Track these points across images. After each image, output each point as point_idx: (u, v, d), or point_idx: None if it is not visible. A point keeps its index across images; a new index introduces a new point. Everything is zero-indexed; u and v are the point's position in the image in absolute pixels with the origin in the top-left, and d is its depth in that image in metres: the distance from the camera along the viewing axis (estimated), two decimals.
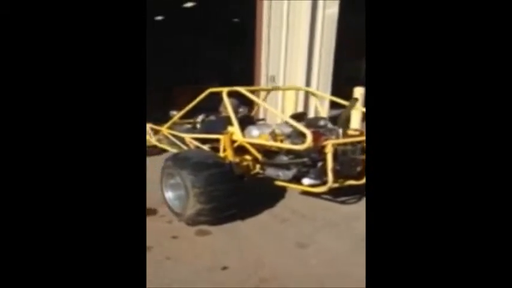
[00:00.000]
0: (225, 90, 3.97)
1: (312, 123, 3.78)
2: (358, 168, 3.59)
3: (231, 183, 3.35)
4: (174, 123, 4.92)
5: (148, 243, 3.08)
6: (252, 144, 3.77)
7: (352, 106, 3.77)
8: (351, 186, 3.70)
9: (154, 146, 5.39)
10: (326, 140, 3.38)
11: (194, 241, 3.24)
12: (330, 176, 3.29)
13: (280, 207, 4.02)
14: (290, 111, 6.19)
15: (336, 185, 3.51)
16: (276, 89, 4.37)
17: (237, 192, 3.42)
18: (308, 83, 7.63)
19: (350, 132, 4.05)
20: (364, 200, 4.25)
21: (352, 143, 3.53)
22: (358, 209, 4.05)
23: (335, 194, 4.29)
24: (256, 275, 2.69)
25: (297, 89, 4.92)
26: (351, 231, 3.47)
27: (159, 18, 15.80)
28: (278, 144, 3.58)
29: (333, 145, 3.31)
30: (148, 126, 5.44)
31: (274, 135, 3.65)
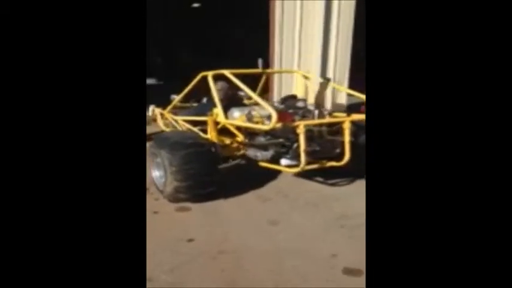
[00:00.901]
0: (210, 74, 4.08)
1: (290, 105, 3.81)
2: (337, 150, 3.59)
3: (208, 163, 3.47)
4: (175, 107, 5.10)
5: None
6: (235, 126, 3.87)
7: (324, 87, 3.76)
8: (333, 167, 3.71)
9: (162, 131, 5.62)
10: (296, 120, 3.41)
11: (172, 216, 3.40)
12: (303, 157, 3.32)
13: (267, 188, 4.09)
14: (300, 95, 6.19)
15: (314, 166, 3.53)
16: (266, 72, 4.41)
17: (214, 171, 3.55)
18: (324, 72, 7.54)
19: (337, 114, 4.04)
20: (352, 182, 4.24)
21: (329, 124, 3.53)
22: (343, 190, 4.05)
23: (327, 176, 4.31)
24: (217, 248, 2.81)
25: (291, 72, 4.93)
26: (327, 211, 3.49)
27: (196, 5, 16.97)
28: (247, 124, 3.66)
29: (305, 126, 3.33)
30: (158, 111, 5.67)
31: (250, 117, 3.71)
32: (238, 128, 3.93)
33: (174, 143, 3.47)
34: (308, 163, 3.57)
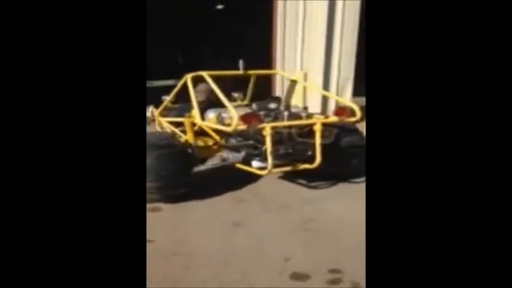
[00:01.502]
0: (189, 77, 4.11)
1: (262, 106, 3.79)
2: (309, 152, 3.54)
3: (180, 164, 3.50)
4: (166, 108, 5.16)
5: None
6: (210, 128, 3.88)
7: (291, 89, 3.72)
8: (307, 170, 3.67)
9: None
10: (261, 122, 3.38)
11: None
12: (269, 159, 3.30)
13: (246, 190, 4.08)
14: (297, 98, 6.14)
15: (285, 168, 3.51)
16: (247, 74, 4.39)
17: (186, 173, 3.57)
18: (327, 73, 7.46)
19: (316, 116, 3.98)
20: (333, 185, 4.17)
21: (300, 126, 3.49)
22: (321, 193, 3.99)
23: (310, 179, 4.26)
24: (172, 249, 2.83)
25: (273, 73, 4.90)
26: (298, 214, 3.44)
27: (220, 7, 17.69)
28: (213, 125, 3.68)
29: (272, 128, 3.31)
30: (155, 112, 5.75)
31: (221, 118, 3.72)
32: (216, 130, 3.94)
33: (148, 144, 3.51)
34: (280, 165, 3.55)
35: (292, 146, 3.46)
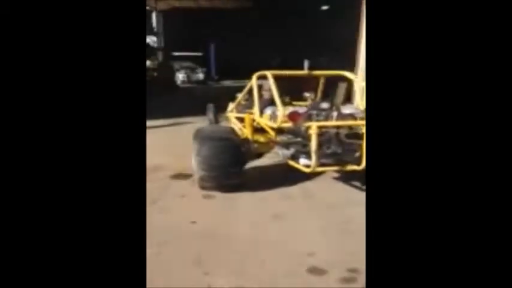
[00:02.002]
0: (255, 76, 4.35)
1: (315, 106, 3.86)
2: (357, 154, 3.55)
3: (233, 156, 3.77)
4: (239, 104, 5.46)
5: (159, 198, 3.80)
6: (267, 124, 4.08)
7: (341, 90, 3.71)
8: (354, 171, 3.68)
9: None
10: (308, 121, 3.48)
11: (193, 201, 3.80)
12: (313, 157, 3.39)
13: (297, 188, 4.18)
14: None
15: (332, 168, 3.57)
16: (311, 74, 4.46)
17: (239, 165, 3.83)
18: None
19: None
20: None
21: (350, 128, 3.52)
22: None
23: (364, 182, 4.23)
24: (209, 231, 3.11)
25: (338, 74, 4.87)
26: (337, 215, 3.48)
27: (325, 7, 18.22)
28: (262, 121, 3.85)
29: (319, 127, 3.40)
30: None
31: (273, 116, 3.88)
32: (272, 127, 4.12)
33: (204, 136, 3.85)
34: (327, 164, 3.62)
35: (340, 147, 3.50)
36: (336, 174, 4.61)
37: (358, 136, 3.52)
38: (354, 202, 3.78)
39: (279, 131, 3.99)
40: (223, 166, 3.72)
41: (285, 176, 4.40)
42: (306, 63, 4.38)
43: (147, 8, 18.47)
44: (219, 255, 2.75)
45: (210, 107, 6.47)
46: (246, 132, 4.27)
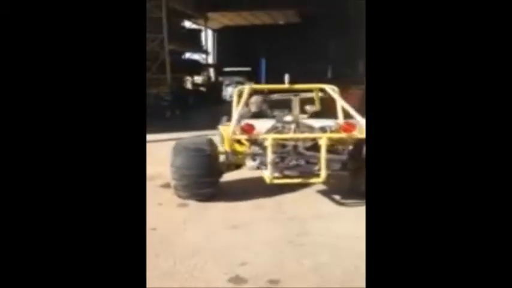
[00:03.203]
0: (242, 89, 4.50)
1: (280, 119, 3.90)
2: (316, 167, 3.53)
3: (204, 167, 3.91)
4: None
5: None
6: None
7: (295, 102, 3.71)
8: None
9: None
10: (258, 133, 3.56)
11: (166, 209, 3.99)
12: (269, 168, 3.44)
13: (273, 199, 4.20)
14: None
15: (291, 180, 3.60)
16: (292, 88, 4.48)
17: (210, 175, 3.95)
18: None
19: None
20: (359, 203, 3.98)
21: (312, 139, 3.53)
22: (340, 210, 3.89)
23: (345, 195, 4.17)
24: (167, 238, 3.27)
25: (314, 88, 4.81)
26: (297, 226, 3.48)
27: None
28: (225, 133, 3.97)
29: (275, 139, 3.44)
30: None
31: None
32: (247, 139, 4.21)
33: (180, 146, 4.04)
34: (290, 177, 3.65)
35: (300, 159, 3.51)
36: (322, 187, 4.57)
37: (318, 149, 3.51)
38: (320, 215, 3.75)
39: (253, 142, 4.07)
40: (194, 176, 3.87)
41: (267, 187, 4.45)
42: (286, 77, 4.43)
43: (197, 26, 19.36)
44: (156, 260, 2.88)
45: (223, 119, 6.69)
46: (225, 144, 4.40)
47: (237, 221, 3.63)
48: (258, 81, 23.63)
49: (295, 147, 3.52)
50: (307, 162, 3.58)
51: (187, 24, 19.45)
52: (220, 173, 4.15)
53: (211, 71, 21.57)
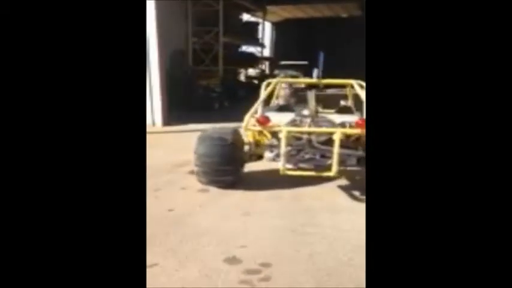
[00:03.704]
0: (264, 83, 4.63)
1: (299, 113, 3.97)
2: (329, 161, 3.58)
3: (225, 156, 4.10)
4: None
5: (163, 187, 4.34)
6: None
7: (311, 97, 3.73)
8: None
9: None
10: (275, 126, 3.65)
11: (187, 193, 4.24)
12: (282, 160, 3.55)
13: (291, 191, 4.30)
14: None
15: (305, 173, 3.69)
16: (320, 82, 4.50)
17: (230, 164, 4.14)
18: None
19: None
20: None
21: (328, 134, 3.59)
22: (353, 205, 3.90)
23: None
24: (180, 218, 3.52)
25: (346, 83, 4.74)
26: (308, 219, 3.57)
27: None
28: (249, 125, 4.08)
29: (289, 132, 3.54)
30: None
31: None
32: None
33: (205, 135, 4.26)
34: (304, 169, 3.74)
35: (314, 153, 3.59)
36: (345, 182, 4.60)
37: (332, 143, 3.56)
38: (333, 209, 3.80)
39: (272, 135, 4.20)
40: (214, 163, 4.08)
41: (289, 180, 4.55)
42: (315, 72, 4.49)
43: (255, 19, 19.58)
44: (165, 237, 3.13)
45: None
46: (248, 135, 4.56)
47: (250, 208, 3.79)
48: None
49: (309, 140, 3.60)
50: (322, 156, 3.64)
51: (246, 17, 19.71)
52: (243, 163, 4.32)
53: (267, 64, 21.72)
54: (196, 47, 13.52)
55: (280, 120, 4.01)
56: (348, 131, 3.67)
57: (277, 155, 3.88)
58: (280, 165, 3.70)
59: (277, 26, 24.80)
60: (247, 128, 4.02)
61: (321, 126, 3.77)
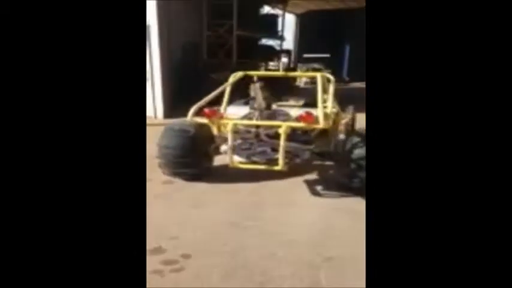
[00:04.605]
0: (232, 75, 4.60)
1: (252, 106, 3.92)
2: (277, 155, 3.54)
3: (186, 147, 4.12)
4: None
5: None
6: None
7: (256, 93, 3.67)
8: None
9: None
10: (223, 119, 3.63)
11: (150, 184, 4.29)
12: (228, 153, 3.53)
13: (254, 185, 4.28)
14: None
15: (253, 166, 3.66)
16: (287, 75, 4.42)
17: (191, 156, 4.16)
18: None
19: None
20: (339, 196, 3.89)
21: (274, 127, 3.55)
22: (312, 200, 3.84)
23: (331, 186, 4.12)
24: None
25: (312, 76, 4.62)
26: (253, 212, 3.56)
27: None
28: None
29: (235, 125, 3.52)
30: None
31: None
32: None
33: (168, 127, 4.30)
34: (256, 163, 3.72)
35: (263, 146, 3.55)
36: (313, 177, 4.54)
37: (278, 137, 3.51)
38: (286, 203, 3.78)
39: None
40: (173, 155, 4.11)
41: (263, 174, 4.49)
42: (281, 64, 4.44)
43: (275, 12, 19.43)
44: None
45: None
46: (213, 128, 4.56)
47: (202, 201, 3.82)
48: (339, 69, 23.04)
49: (256, 134, 3.56)
50: (273, 150, 3.60)
51: (267, 9, 19.55)
52: (208, 155, 4.32)
53: (287, 57, 21.55)
54: (210, 40, 13.56)
55: (237, 113, 3.99)
56: (293, 124, 3.59)
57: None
58: (229, 158, 3.68)
59: (301, 18, 24.52)
60: (190, 119, 4.04)
61: (274, 119, 3.71)
